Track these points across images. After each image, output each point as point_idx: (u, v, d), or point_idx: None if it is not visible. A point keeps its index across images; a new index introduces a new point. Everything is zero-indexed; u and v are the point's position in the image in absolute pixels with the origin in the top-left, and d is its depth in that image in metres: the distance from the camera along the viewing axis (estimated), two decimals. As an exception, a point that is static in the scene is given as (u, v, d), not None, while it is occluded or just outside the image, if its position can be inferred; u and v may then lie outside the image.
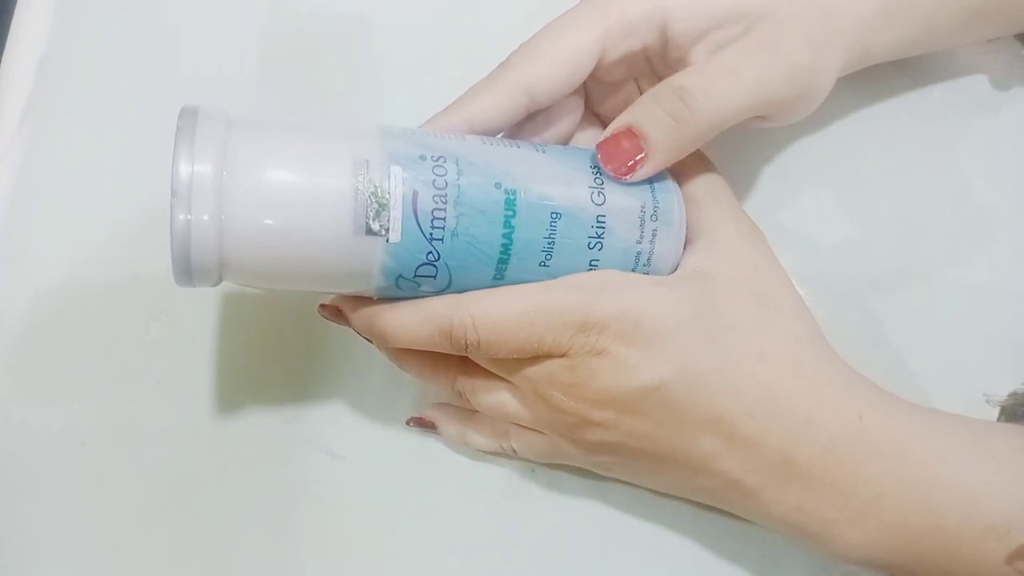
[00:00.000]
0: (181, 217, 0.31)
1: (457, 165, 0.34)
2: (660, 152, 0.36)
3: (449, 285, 0.34)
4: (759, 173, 0.46)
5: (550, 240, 0.34)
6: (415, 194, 0.33)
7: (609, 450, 0.37)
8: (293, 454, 0.43)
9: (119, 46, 0.50)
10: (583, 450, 0.38)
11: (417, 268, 0.34)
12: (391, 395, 0.44)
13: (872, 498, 0.34)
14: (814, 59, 0.38)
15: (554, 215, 0.34)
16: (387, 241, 0.33)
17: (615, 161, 0.36)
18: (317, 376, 0.44)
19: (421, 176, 0.33)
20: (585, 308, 0.34)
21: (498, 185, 0.34)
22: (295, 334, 0.45)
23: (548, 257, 0.35)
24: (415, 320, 0.35)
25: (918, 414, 0.36)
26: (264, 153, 0.32)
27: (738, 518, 0.39)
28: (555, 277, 0.35)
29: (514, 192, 0.34)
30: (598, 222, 0.35)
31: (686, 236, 0.38)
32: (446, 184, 0.33)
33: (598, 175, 0.36)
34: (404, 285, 0.34)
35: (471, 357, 0.37)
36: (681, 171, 0.39)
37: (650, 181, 0.37)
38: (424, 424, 0.43)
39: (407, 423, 0.43)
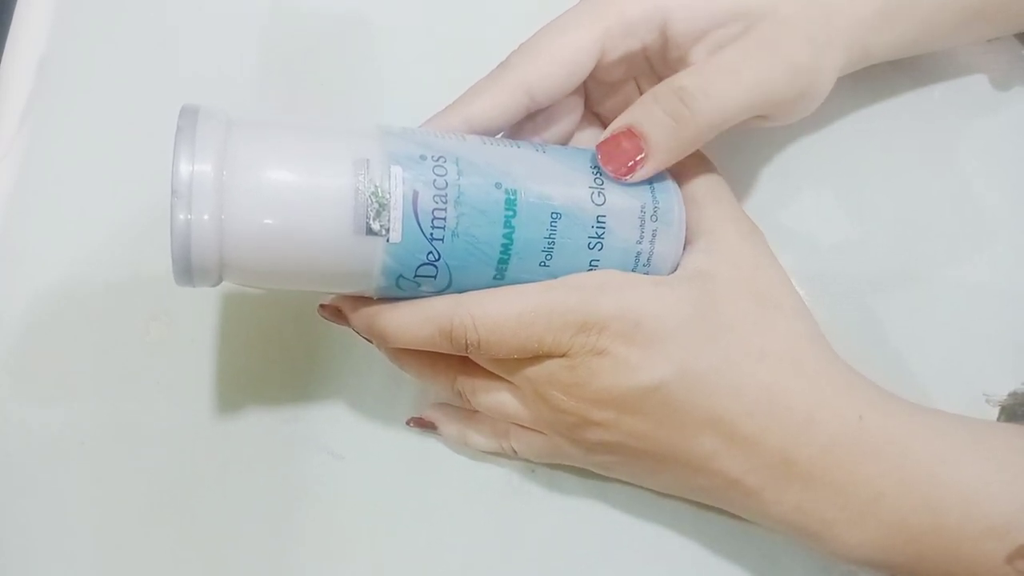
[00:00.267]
0: (181, 217, 0.31)
1: (457, 165, 0.34)
2: (660, 152, 0.36)
3: (449, 285, 0.34)
4: (759, 173, 0.46)
5: (550, 240, 0.34)
6: (415, 194, 0.33)
7: (609, 450, 0.37)
8: (293, 454, 0.43)
9: (119, 46, 0.50)
10: (583, 450, 0.38)
11: (417, 268, 0.34)
12: (391, 395, 0.44)
13: (872, 498, 0.34)
14: (814, 59, 0.38)
15: (554, 215, 0.34)
16: (387, 241, 0.33)
17: (615, 161, 0.36)
18: (317, 376, 0.44)
19: (421, 176, 0.33)
20: (585, 308, 0.34)
21: (498, 185, 0.34)
22: (295, 334, 0.45)
23: (548, 257, 0.35)
24: (415, 320, 0.35)
25: (918, 414, 0.36)
26: (264, 153, 0.32)
27: (738, 518, 0.39)
28: (555, 277, 0.35)
29: (514, 192, 0.34)
30: (598, 222, 0.35)
31: (686, 236, 0.38)
32: (446, 184, 0.33)
33: (598, 175, 0.36)
34: (404, 285, 0.34)
35: (471, 357, 0.37)
36: (681, 171, 0.39)
37: (650, 181, 0.37)
38: (424, 424, 0.43)
39: (407, 423, 0.43)
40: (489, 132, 0.37)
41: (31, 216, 0.46)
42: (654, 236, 0.36)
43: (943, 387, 0.42)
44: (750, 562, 0.41)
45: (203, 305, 0.45)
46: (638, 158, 0.36)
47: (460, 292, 0.35)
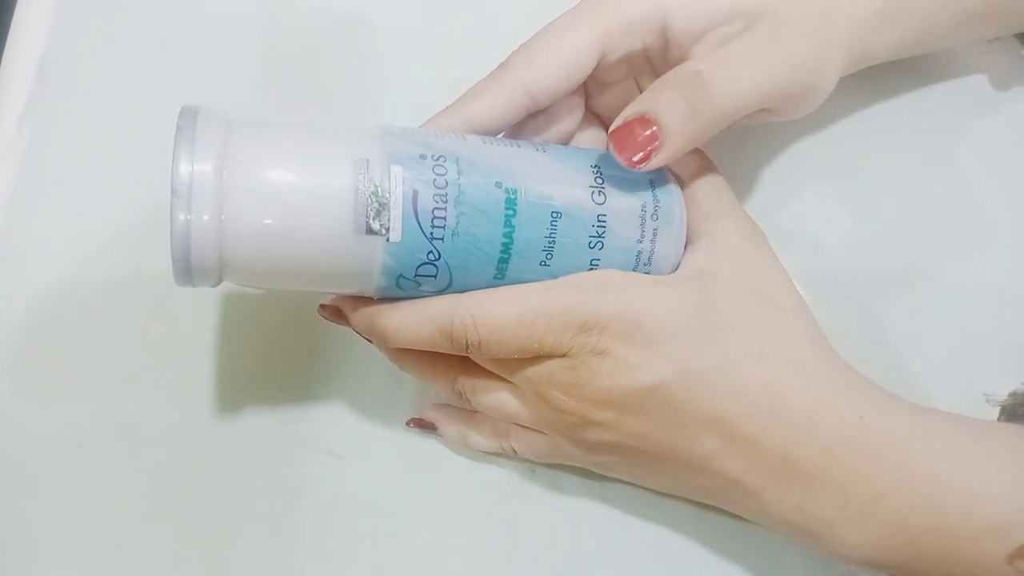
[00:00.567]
0: (181, 217, 0.31)
1: (457, 164, 0.34)
2: (675, 139, 0.35)
3: (450, 285, 0.34)
4: (760, 173, 0.46)
5: (551, 239, 0.34)
6: (415, 193, 0.33)
7: (610, 450, 0.37)
8: (293, 454, 0.43)
9: (119, 46, 0.50)
10: (584, 450, 0.38)
11: (418, 268, 0.34)
12: (391, 395, 0.44)
13: (872, 498, 0.34)
14: (815, 56, 0.38)
15: (555, 214, 0.34)
16: (387, 241, 0.33)
17: (629, 149, 0.35)
18: (317, 376, 0.44)
19: (421, 176, 0.33)
20: (586, 308, 0.34)
21: (498, 184, 0.34)
22: (295, 334, 0.45)
23: (549, 256, 0.35)
24: (415, 320, 0.35)
25: (918, 414, 0.36)
26: (264, 153, 0.32)
27: (738, 518, 0.39)
28: (556, 276, 0.35)
29: (515, 191, 0.34)
30: (599, 221, 0.35)
31: (687, 236, 0.38)
32: (446, 183, 0.33)
33: (599, 175, 0.36)
34: (405, 285, 0.34)
35: (472, 357, 0.37)
36: (681, 171, 0.39)
37: (651, 180, 0.37)
38: (424, 425, 0.43)
39: (407, 424, 0.43)
40: (489, 132, 0.37)
41: (31, 216, 0.46)
42: (655, 235, 0.36)
43: (943, 387, 0.42)
44: (750, 562, 0.41)
45: (203, 305, 0.45)
46: (653, 145, 0.35)
47: (460, 292, 0.35)
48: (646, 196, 0.36)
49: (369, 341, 0.40)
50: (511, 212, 0.34)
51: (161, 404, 0.44)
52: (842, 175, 0.46)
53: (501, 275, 0.35)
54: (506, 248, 0.34)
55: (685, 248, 0.38)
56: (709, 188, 0.38)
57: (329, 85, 0.49)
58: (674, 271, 0.37)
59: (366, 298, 0.36)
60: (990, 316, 0.44)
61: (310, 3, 0.50)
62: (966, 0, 0.41)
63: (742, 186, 0.46)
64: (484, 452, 0.42)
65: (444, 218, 0.33)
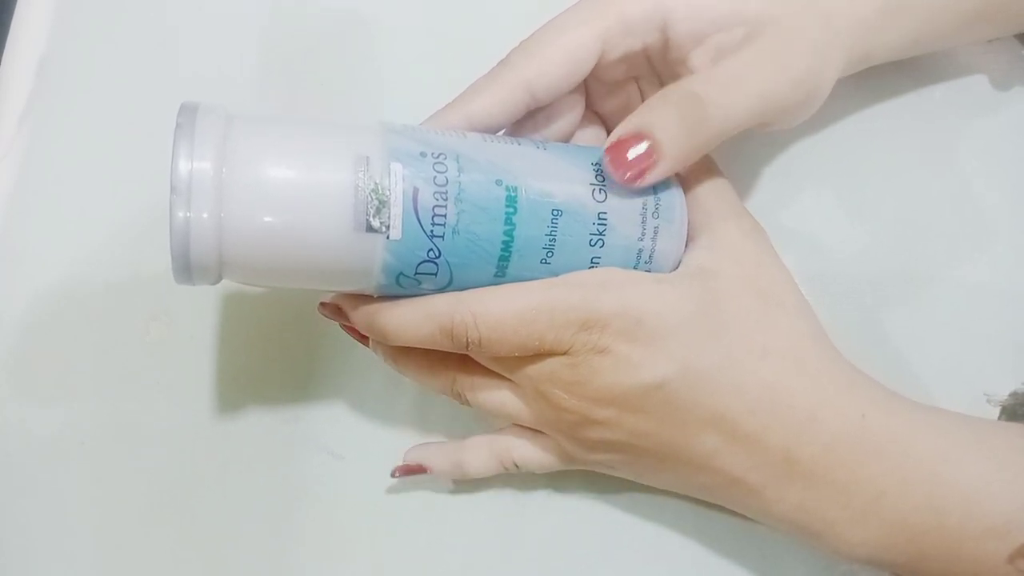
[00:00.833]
0: (180, 214, 0.31)
1: (458, 162, 0.34)
2: (669, 159, 0.35)
3: (450, 283, 0.34)
4: (760, 173, 0.46)
5: (551, 237, 0.34)
6: (416, 191, 0.33)
7: (611, 448, 0.37)
8: (293, 454, 0.43)
9: (119, 46, 0.50)
10: (585, 449, 0.37)
11: (418, 265, 0.33)
12: (391, 395, 0.44)
13: (874, 496, 0.34)
14: (816, 67, 0.38)
15: (555, 212, 0.34)
16: (388, 238, 0.33)
17: (623, 167, 0.35)
18: (317, 376, 0.44)
19: (422, 173, 0.33)
20: (587, 305, 0.34)
21: (499, 182, 0.34)
22: (295, 334, 0.45)
23: (549, 254, 0.35)
24: (416, 318, 0.35)
25: (920, 412, 0.36)
26: (264, 148, 0.32)
27: (739, 517, 0.39)
28: (556, 274, 0.35)
29: (515, 189, 0.34)
30: (599, 219, 0.35)
31: (688, 233, 0.38)
32: (447, 181, 0.33)
33: (599, 172, 0.36)
34: (405, 283, 0.34)
35: (472, 355, 0.37)
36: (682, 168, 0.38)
37: (652, 178, 0.37)
38: (412, 470, 0.41)
39: (392, 475, 0.41)
40: (490, 130, 0.37)
41: (31, 216, 0.46)
42: (656, 233, 0.36)
43: (943, 387, 0.42)
44: (750, 562, 0.41)
45: (203, 305, 0.45)
46: (647, 163, 0.35)
47: (461, 290, 0.35)
48: (647, 194, 0.36)
49: (365, 344, 0.40)
50: (512, 210, 0.34)
51: (161, 404, 0.44)
52: (842, 175, 0.47)
53: (502, 273, 0.35)
54: (507, 246, 0.34)
55: (686, 246, 0.38)
56: (710, 186, 0.38)
57: (329, 85, 0.49)
58: (675, 269, 0.37)
59: (366, 296, 0.36)
60: (990, 316, 0.44)
61: (310, 3, 0.50)
62: (967, 1, 0.41)
63: (742, 186, 0.46)
64: (485, 476, 0.41)
65: (444, 216, 0.33)
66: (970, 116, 0.47)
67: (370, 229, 0.32)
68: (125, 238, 0.46)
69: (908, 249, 0.45)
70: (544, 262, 0.35)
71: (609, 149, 0.35)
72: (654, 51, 0.39)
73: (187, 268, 0.32)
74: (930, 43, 0.43)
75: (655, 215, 0.36)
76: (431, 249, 0.33)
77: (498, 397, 0.38)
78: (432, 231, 0.33)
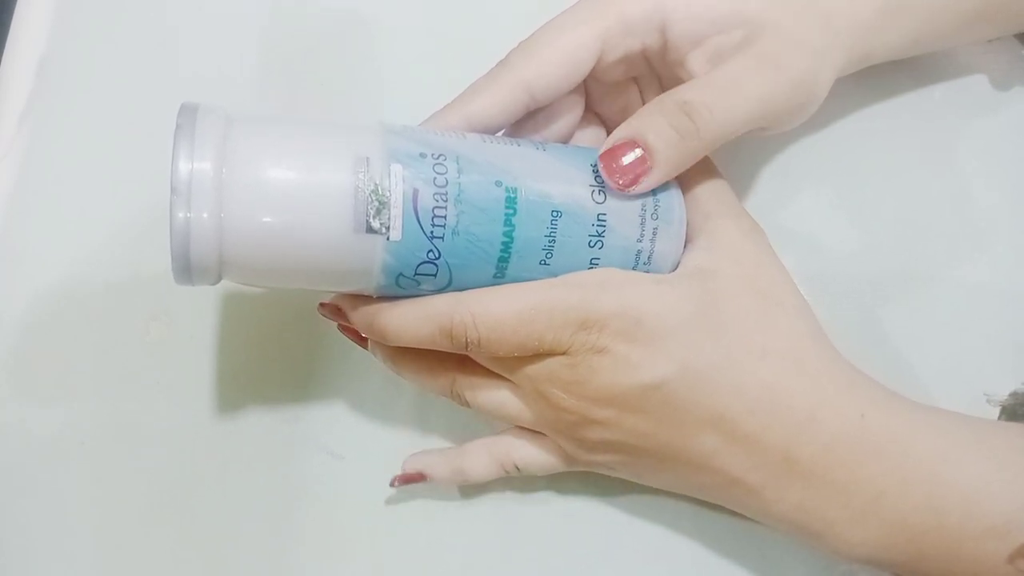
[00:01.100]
0: (180, 215, 0.31)
1: (457, 163, 0.34)
2: (664, 165, 0.35)
3: (450, 283, 0.34)
4: (759, 173, 0.46)
5: (551, 238, 0.34)
6: (415, 192, 0.33)
7: (610, 448, 0.37)
8: (293, 454, 0.43)
9: (119, 46, 0.50)
10: (585, 449, 0.37)
11: (418, 266, 0.33)
12: (391, 395, 0.44)
13: (874, 496, 0.34)
14: (814, 70, 0.38)
15: (555, 213, 0.34)
16: (387, 239, 0.33)
17: (617, 174, 0.35)
18: (317, 376, 0.44)
19: (421, 174, 0.33)
20: (586, 306, 0.34)
21: (498, 183, 0.34)
22: (295, 334, 0.45)
23: (549, 255, 0.35)
24: (416, 318, 0.35)
25: (920, 412, 0.36)
26: (264, 148, 0.32)
27: (739, 517, 0.39)
28: (556, 275, 0.35)
29: (515, 190, 0.34)
30: (599, 220, 0.35)
31: (687, 234, 0.38)
32: (447, 182, 0.33)
33: (599, 174, 0.36)
34: (405, 283, 0.34)
35: (471, 356, 0.37)
36: (681, 169, 0.39)
37: (651, 180, 0.37)
38: (411, 479, 0.41)
39: (391, 485, 0.41)
40: (489, 130, 0.37)
41: (31, 216, 0.46)
42: (655, 234, 0.36)
43: (943, 387, 0.42)
44: (750, 562, 0.41)
45: (203, 305, 0.45)
46: (641, 170, 0.35)
47: (460, 290, 0.35)
48: (646, 195, 0.36)
49: (363, 346, 0.40)
50: (511, 211, 0.34)
51: (161, 404, 0.44)
52: (841, 175, 0.46)
53: (501, 274, 0.35)
54: (506, 247, 0.34)
55: (685, 246, 0.38)
56: (709, 187, 0.38)
57: (329, 85, 0.49)
58: (674, 269, 0.37)
59: (366, 297, 0.36)
60: (990, 316, 0.44)
61: (310, 3, 0.50)
62: (967, 1, 0.41)
63: (741, 186, 0.46)
64: (486, 481, 0.40)
65: (444, 217, 0.33)
66: (970, 116, 0.47)
67: (370, 230, 0.32)
68: (125, 238, 0.46)
69: (908, 249, 0.45)
70: (543, 263, 0.35)
71: (603, 156, 0.36)
72: (653, 52, 0.39)
73: (187, 268, 0.32)
74: (930, 43, 0.43)
75: (654, 216, 0.36)
76: (431, 250, 0.33)
77: (497, 398, 0.38)
78: (432, 232, 0.33)
